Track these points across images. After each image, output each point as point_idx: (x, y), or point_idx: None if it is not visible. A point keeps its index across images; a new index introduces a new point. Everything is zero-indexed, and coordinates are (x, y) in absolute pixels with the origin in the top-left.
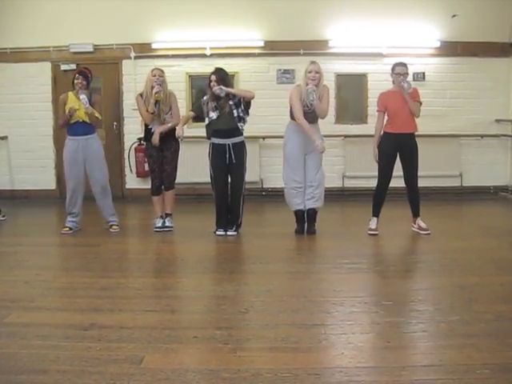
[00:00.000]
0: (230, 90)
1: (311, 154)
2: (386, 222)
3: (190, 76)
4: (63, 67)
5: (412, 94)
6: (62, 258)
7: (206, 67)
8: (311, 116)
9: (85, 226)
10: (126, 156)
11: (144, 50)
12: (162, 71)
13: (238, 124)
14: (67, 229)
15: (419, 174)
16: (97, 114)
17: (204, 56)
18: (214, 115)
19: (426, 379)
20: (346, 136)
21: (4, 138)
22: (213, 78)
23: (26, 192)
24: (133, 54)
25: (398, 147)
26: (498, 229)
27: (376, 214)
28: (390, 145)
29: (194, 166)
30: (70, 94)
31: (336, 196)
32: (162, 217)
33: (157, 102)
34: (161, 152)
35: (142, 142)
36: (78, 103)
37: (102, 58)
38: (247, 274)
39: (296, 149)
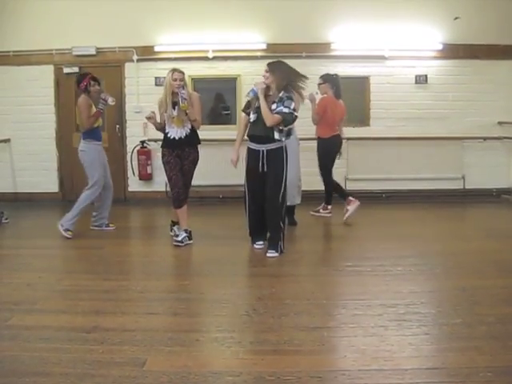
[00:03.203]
0: (261, 98)
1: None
2: (388, 225)
3: (192, 79)
4: (66, 70)
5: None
6: (65, 260)
7: (208, 70)
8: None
9: (87, 229)
10: (128, 159)
11: (146, 53)
12: (183, 73)
13: (274, 132)
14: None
15: (421, 176)
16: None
17: (206, 59)
18: (252, 118)
19: (429, 382)
20: (348, 139)
21: (7, 140)
22: (265, 68)
23: (28, 195)
24: (135, 57)
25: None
26: (501, 231)
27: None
28: None
29: (197, 169)
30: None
31: (338, 198)
32: (186, 231)
33: (175, 105)
34: (178, 159)
35: (144, 144)
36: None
37: (104, 60)
38: (250, 276)
39: (293, 148)
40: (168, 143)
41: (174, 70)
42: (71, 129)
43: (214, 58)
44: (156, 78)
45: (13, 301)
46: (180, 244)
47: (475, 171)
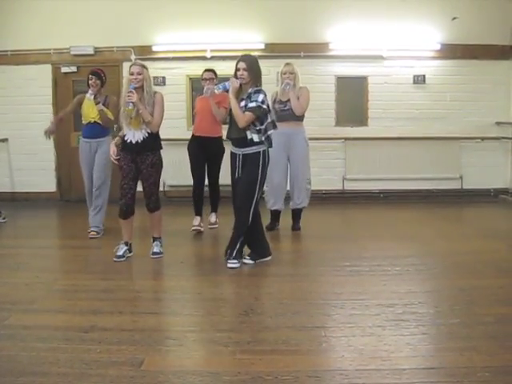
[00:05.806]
0: (232, 97)
1: (294, 154)
2: (386, 225)
3: (190, 78)
4: (64, 69)
5: (219, 98)
6: (63, 260)
7: None
8: (287, 114)
9: (84, 229)
10: None
11: (144, 53)
12: (143, 66)
13: (248, 133)
14: (94, 233)
15: (419, 176)
16: (109, 115)
17: (204, 58)
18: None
19: (427, 382)
20: (346, 138)
21: (4, 140)
22: (241, 65)
23: (26, 194)
24: (133, 57)
25: (203, 149)
26: (498, 231)
27: (197, 213)
28: (193, 145)
29: None
30: (86, 95)
31: (336, 198)
32: (126, 244)
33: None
34: (133, 165)
35: None
36: (92, 106)
37: (102, 60)
38: (247, 276)
39: (276, 149)
40: (124, 147)
41: (132, 64)
42: (69, 128)
43: (212, 58)
44: (154, 77)
45: (10, 300)
46: (121, 259)
47: (473, 171)
